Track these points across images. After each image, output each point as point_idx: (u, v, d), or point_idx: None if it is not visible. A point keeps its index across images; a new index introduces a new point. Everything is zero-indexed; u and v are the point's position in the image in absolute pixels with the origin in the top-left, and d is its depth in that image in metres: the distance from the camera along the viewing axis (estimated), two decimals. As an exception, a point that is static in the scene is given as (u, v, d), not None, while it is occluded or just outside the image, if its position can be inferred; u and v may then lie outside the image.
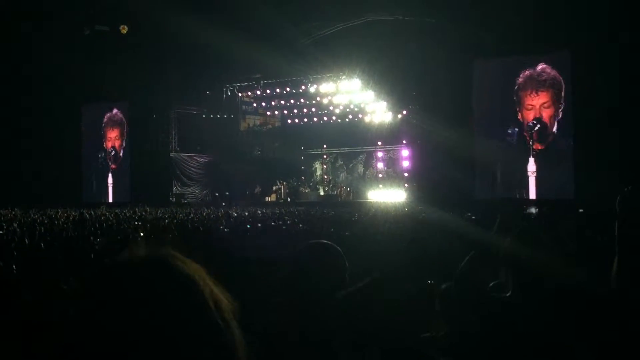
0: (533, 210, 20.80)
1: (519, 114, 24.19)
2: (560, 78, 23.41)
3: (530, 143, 23.78)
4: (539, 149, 23.60)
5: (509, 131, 24.47)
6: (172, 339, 1.02)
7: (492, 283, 3.34)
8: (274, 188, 34.32)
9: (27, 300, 4.64)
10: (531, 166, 23.68)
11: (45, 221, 14.86)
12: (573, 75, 23.05)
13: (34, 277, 5.47)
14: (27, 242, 8.85)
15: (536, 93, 23.85)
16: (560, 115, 23.30)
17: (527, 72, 24.15)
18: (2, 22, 26.76)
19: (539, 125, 23.63)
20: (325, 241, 2.94)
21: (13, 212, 19.79)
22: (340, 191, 33.99)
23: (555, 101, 23.46)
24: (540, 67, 23.90)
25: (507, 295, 3.01)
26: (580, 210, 15.31)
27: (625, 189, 3.13)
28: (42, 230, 11.28)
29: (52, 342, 1.06)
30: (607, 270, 3.23)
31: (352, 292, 2.75)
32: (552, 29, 22.34)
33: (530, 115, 23.89)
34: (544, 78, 23.74)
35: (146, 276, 1.08)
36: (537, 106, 23.81)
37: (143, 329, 1.01)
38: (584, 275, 3.02)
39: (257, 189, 34.25)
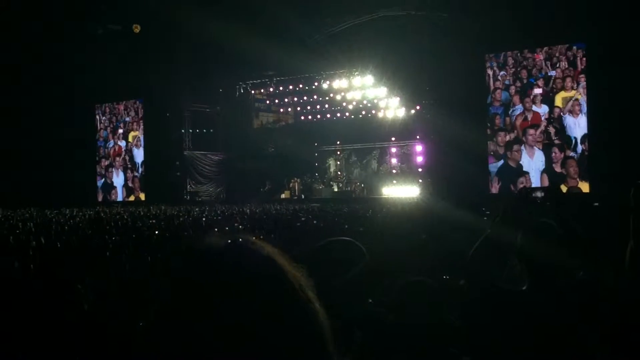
0: (539, 194, 20.69)
1: (533, 107, 24.02)
2: (575, 72, 23.23)
3: (545, 137, 23.63)
4: (554, 143, 23.42)
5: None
6: (265, 319, 1.04)
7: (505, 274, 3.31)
8: (288, 185, 34.36)
9: (44, 300, 4.66)
10: (546, 161, 23.53)
11: (61, 220, 14.94)
12: (587, 68, 22.91)
13: (51, 276, 5.49)
14: (43, 241, 8.89)
15: (550, 86, 23.70)
16: (575, 109, 23.10)
17: (541, 66, 24.00)
18: (16, 22, 26.90)
19: (554, 119, 23.51)
20: (346, 238, 2.92)
21: (29, 212, 19.90)
22: (355, 187, 33.97)
23: (568, 95, 23.27)
24: (554, 61, 23.74)
25: (523, 288, 2.98)
26: (596, 204, 15.21)
27: (639, 182, 3.10)
28: (58, 230, 11.34)
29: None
30: (621, 263, 3.19)
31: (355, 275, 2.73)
32: (566, 22, 22.18)
33: (544, 109, 23.73)
34: (558, 72, 23.56)
35: (236, 259, 1.11)
36: (551, 100, 23.66)
37: (238, 310, 1.03)
38: (599, 269, 2.99)
39: (270, 186, 34.29)
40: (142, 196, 34.10)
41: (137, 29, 27.70)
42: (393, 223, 11.20)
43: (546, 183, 22.97)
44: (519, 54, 24.50)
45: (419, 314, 2.58)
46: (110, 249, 8.02)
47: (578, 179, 22.58)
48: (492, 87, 25.07)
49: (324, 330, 1.11)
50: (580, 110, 22.86)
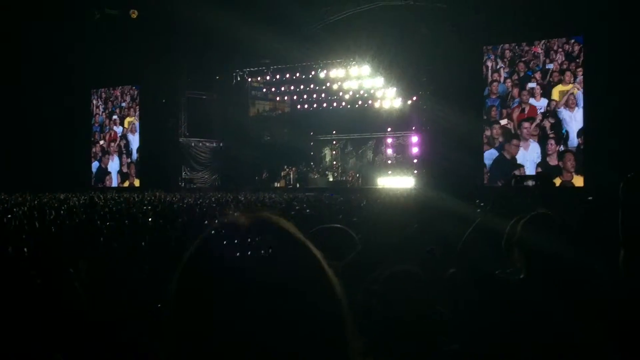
0: (530, 182, 20.74)
1: (530, 100, 24.05)
2: (572, 65, 23.25)
3: (540, 130, 23.69)
4: (550, 136, 23.47)
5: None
6: (292, 291, 1.07)
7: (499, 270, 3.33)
8: (283, 174, 34.35)
9: (38, 283, 4.67)
10: (542, 153, 23.61)
11: (56, 205, 14.93)
12: (585, 62, 22.92)
13: (45, 260, 5.50)
14: (37, 225, 8.89)
15: (547, 80, 23.72)
16: (571, 103, 23.13)
17: (538, 59, 24.02)
18: (13, 6, 26.78)
19: (550, 112, 23.56)
20: (338, 225, 2.94)
21: (23, 196, 19.88)
22: (351, 178, 33.98)
23: (566, 88, 23.29)
24: (551, 53, 23.75)
25: (520, 278, 3.00)
26: (590, 198, 15.25)
27: (629, 175, 3.12)
28: (53, 214, 11.34)
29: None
30: (615, 257, 3.22)
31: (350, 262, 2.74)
32: (564, 15, 22.19)
33: (541, 102, 23.76)
34: (555, 65, 23.59)
35: (262, 231, 1.13)
36: (548, 93, 23.69)
37: (266, 282, 1.06)
38: (594, 262, 3.01)
39: (265, 174, 34.28)
40: (137, 182, 34.06)
41: (134, 14, 27.61)
42: (387, 213, 11.22)
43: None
44: (516, 47, 24.49)
45: (404, 304, 2.59)
46: (105, 234, 8.03)
47: (573, 173, 22.64)
48: (489, 79, 25.08)
49: (342, 302, 1.14)
50: (576, 104, 22.89)
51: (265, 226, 1.15)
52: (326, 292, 1.12)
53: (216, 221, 1.18)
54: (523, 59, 24.29)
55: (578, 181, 22.35)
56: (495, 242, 3.52)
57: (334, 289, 1.13)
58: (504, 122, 24.52)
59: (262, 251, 1.09)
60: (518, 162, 23.98)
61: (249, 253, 1.08)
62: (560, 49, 23.46)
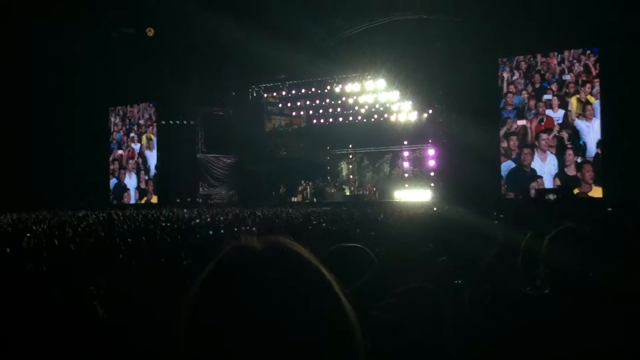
0: (551, 196, 20.61)
1: (547, 111, 23.95)
2: (589, 77, 23.13)
3: (558, 141, 23.56)
4: (568, 147, 23.33)
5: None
6: (306, 318, 1.07)
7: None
8: (300, 188, 34.34)
9: (56, 301, 4.69)
10: (559, 164, 23.47)
11: (74, 222, 15.04)
12: (601, 72, 22.81)
13: (64, 277, 5.53)
14: (56, 243, 8.96)
15: (564, 91, 23.62)
16: (588, 114, 22.99)
17: (554, 70, 23.92)
18: (30, 25, 27.12)
19: (567, 123, 23.44)
20: (355, 244, 2.93)
21: (42, 214, 20.04)
22: (368, 191, 33.90)
23: (582, 99, 23.18)
24: (567, 65, 23.66)
25: (545, 292, 2.97)
26: (609, 209, 15.13)
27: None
28: (71, 232, 11.42)
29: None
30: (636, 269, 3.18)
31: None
32: (579, 26, 22.10)
33: (558, 113, 23.64)
34: (572, 76, 23.48)
35: (275, 257, 1.13)
36: (564, 104, 23.57)
37: (279, 309, 1.05)
38: (617, 274, 2.97)
39: (282, 189, 34.29)
40: (155, 199, 34.23)
41: (150, 32, 27.85)
42: (404, 228, 11.18)
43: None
44: (532, 59, 24.42)
45: (417, 320, 2.58)
46: (124, 251, 8.07)
47: (592, 184, 22.45)
48: (505, 91, 25.01)
49: (353, 324, 1.13)
50: (594, 115, 22.72)
51: (278, 251, 1.14)
52: (339, 319, 1.11)
53: (229, 245, 1.17)
54: (539, 70, 24.20)
55: (597, 192, 22.15)
56: (512, 258, 3.49)
57: (347, 316, 1.12)
58: (520, 133, 24.40)
59: (275, 277, 1.08)
60: (536, 173, 23.83)
61: (262, 278, 1.08)
62: (575, 60, 23.35)
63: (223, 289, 1.09)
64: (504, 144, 24.79)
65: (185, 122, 33.29)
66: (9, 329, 4.19)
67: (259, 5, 24.68)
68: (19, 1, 26.29)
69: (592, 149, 22.76)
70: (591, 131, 22.84)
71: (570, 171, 23.01)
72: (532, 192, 23.27)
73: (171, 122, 33.61)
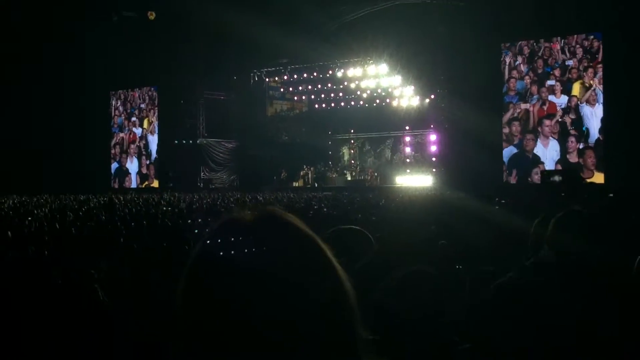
0: (557, 178, 20.59)
1: (550, 97, 23.88)
2: (593, 62, 23.02)
3: (560, 127, 23.50)
4: (570, 133, 23.27)
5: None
6: (300, 285, 1.06)
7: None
8: (301, 173, 34.33)
9: (59, 284, 4.70)
10: (561, 150, 23.43)
11: (76, 206, 15.05)
12: (604, 58, 22.71)
13: (65, 261, 5.54)
14: (57, 227, 8.96)
15: (567, 76, 23.53)
16: (592, 99, 22.91)
17: (557, 55, 23.82)
18: (30, 9, 27.02)
19: (570, 109, 23.37)
20: (354, 227, 2.92)
21: (44, 198, 20.06)
22: (370, 176, 33.89)
23: (585, 84, 23.09)
24: (570, 50, 23.55)
25: (548, 277, 2.96)
26: (611, 195, 15.12)
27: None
28: (72, 216, 11.42)
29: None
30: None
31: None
32: (582, 11, 21.98)
33: (561, 99, 23.57)
34: (575, 61, 23.38)
35: (268, 226, 1.13)
36: (567, 90, 23.49)
37: (273, 277, 1.05)
38: (621, 259, 2.96)
39: (283, 174, 34.29)
40: (156, 183, 34.26)
41: (152, 15, 27.74)
42: (406, 212, 11.19)
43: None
44: (534, 44, 24.31)
45: (419, 304, 2.57)
46: (124, 235, 8.07)
47: (594, 170, 22.42)
48: (507, 77, 24.92)
49: (353, 301, 1.12)
50: (597, 100, 22.63)
51: (271, 221, 1.14)
52: (334, 285, 1.11)
53: (221, 218, 1.17)
54: (541, 56, 24.10)
55: (599, 178, 22.10)
56: (517, 241, 3.47)
57: (342, 282, 1.12)
58: (522, 119, 24.34)
59: (269, 246, 1.08)
60: (538, 159, 23.80)
61: (255, 248, 1.07)
62: (578, 46, 23.24)
63: (216, 262, 1.08)
64: (506, 130, 24.74)
65: (182, 102, 33.20)
66: (11, 312, 4.21)
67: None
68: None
69: (594, 135, 22.71)
70: (594, 117, 22.77)
71: (573, 158, 22.97)
72: (536, 176, 23.25)
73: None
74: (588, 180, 22.20)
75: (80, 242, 7.37)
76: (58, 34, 28.87)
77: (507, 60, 24.96)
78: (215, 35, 28.29)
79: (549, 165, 23.42)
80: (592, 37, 22.94)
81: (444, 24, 24.45)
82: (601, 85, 22.67)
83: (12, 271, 5.06)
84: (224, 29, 25.93)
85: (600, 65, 22.75)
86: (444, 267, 3.22)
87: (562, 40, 23.65)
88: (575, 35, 23.32)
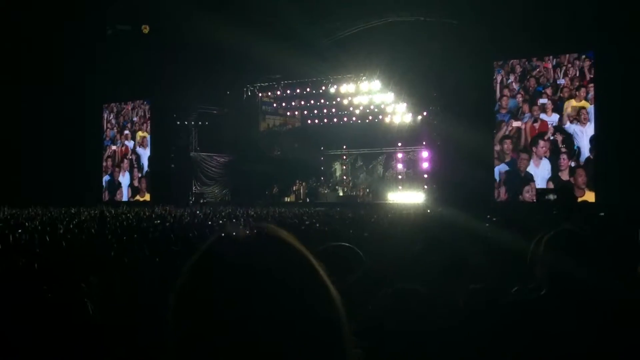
0: (551, 196, 20.62)
1: (541, 115, 23.99)
2: (584, 81, 23.17)
3: (552, 145, 23.61)
4: (562, 151, 23.38)
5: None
6: (291, 301, 1.07)
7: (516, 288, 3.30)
8: (293, 188, 34.33)
9: (49, 298, 4.68)
10: (552, 169, 23.52)
11: (66, 219, 14.99)
12: (596, 77, 22.86)
13: (56, 275, 5.51)
14: (48, 240, 8.93)
15: (558, 95, 23.66)
16: (582, 118, 23.04)
17: (549, 74, 23.95)
18: (24, 21, 27.03)
19: (561, 128, 23.49)
20: (345, 244, 2.93)
21: (35, 211, 19.97)
22: (362, 192, 33.90)
23: (577, 104, 23.22)
24: (562, 70, 23.70)
25: (541, 294, 2.97)
26: (602, 214, 15.16)
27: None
28: (63, 229, 11.38)
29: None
30: (631, 273, 3.18)
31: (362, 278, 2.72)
32: (575, 31, 22.15)
33: (552, 117, 23.69)
34: (567, 80, 23.52)
35: (261, 242, 1.13)
36: (559, 108, 23.62)
37: (264, 292, 1.06)
38: (612, 278, 2.98)
39: (275, 189, 34.28)
40: (148, 197, 34.17)
41: (146, 29, 27.79)
42: (397, 229, 11.19)
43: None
44: (527, 63, 24.46)
45: (408, 322, 2.58)
46: (115, 248, 8.05)
47: (585, 189, 22.48)
48: (499, 95, 25.04)
49: (343, 317, 1.13)
50: (588, 119, 22.76)
51: (264, 237, 1.15)
52: (325, 301, 1.11)
53: (214, 234, 1.18)
54: (533, 74, 24.24)
55: (590, 197, 22.14)
56: (513, 260, 3.48)
57: (332, 299, 1.13)
58: (514, 137, 24.43)
59: (261, 263, 1.08)
60: (530, 177, 23.87)
61: (248, 265, 1.08)
62: (570, 65, 23.39)
63: (208, 277, 1.09)
64: (498, 148, 24.81)
65: (175, 116, 33.21)
66: (1, 325, 4.18)
67: (254, 4, 24.66)
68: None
69: (585, 154, 22.79)
70: (585, 136, 22.87)
71: (564, 175, 23.02)
72: (527, 194, 23.31)
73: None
74: (579, 199, 22.25)
75: (70, 255, 7.33)
76: (51, 45, 28.86)
77: (499, 78, 25.08)
78: (208, 50, 28.34)
79: (540, 183, 23.48)
80: (583, 56, 23.09)
81: (437, 41, 24.58)
82: (592, 105, 22.79)
83: (1, 284, 5.03)
84: (217, 44, 25.99)
85: (591, 85, 22.88)
86: (434, 284, 3.22)
87: (554, 60, 23.79)
88: (567, 55, 23.47)
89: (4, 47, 28.28)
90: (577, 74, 23.21)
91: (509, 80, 24.83)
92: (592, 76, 22.92)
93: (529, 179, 23.85)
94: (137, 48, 28.84)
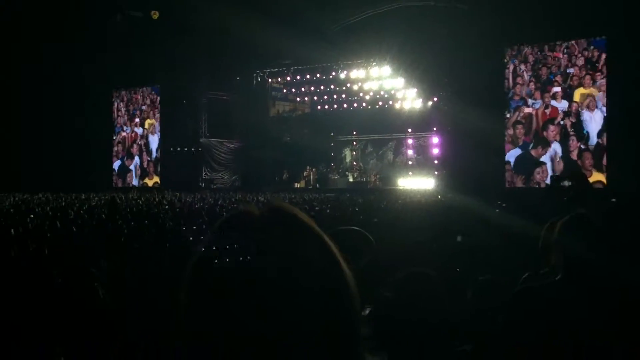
0: (566, 183, 20.54)
1: (552, 102, 24.08)
2: (591, 69, 23.23)
3: (562, 130, 23.63)
4: (570, 135, 23.42)
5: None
6: (306, 284, 1.03)
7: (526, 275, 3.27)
8: (303, 174, 34.34)
9: (58, 283, 4.69)
10: (563, 151, 23.63)
11: (77, 205, 15.05)
12: (608, 62, 22.76)
13: (65, 260, 5.53)
14: (59, 225, 8.96)
15: (568, 83, 23.71)
16: (591, 105, 23.15)
17: (561, 59, 23.95)
18: (34, 6, 27.04)
19: (571, 113, 23.56)
20: (355, 227, 2.91)
21: (45, 196, 20.07)
22: (374, 179, 33.85)
23: (589, 89, 23.30)
24: (574, 54, 23.69)
25: (556, 279, 2.94)
26: (613, 200, 15.09)
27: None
28: (74, 214, 11.42)
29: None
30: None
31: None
32: (586, 15, 21.98)
33: (562, 104, 23.74)
34: (576, 69, 23.58)
35: (276, 221, 1.09)
36: (568, 95, 23.69)
37: (278, 275, 1.02)
38: (624, 265, 2.94)
39: (285, 175, 34.30)
40: (157, 179, 34.35)
41: (155, 15, 27.75)
42: (407, 215, 11.17)
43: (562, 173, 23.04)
44: (538, 52, 24.43)
45: (419, 306, 2.56)
46: (126, 234, 8.07)
47: (593, 170, 22.60)
48: (511, 81, 25.02)
49: (358, 305, 1.10)
50: (596, 106, 22.94)
51: (279, 216, 1.11)
52: (340, 287, 1.08)
53: (229, 212, 1.15)
54: (545, 64, 24.28)
55: (596, 177, 22.29)
56: (526, 245, 3.45)
57: (348, 284, 1.09)
58: (526, 122, 24.45)
59: (275, 242, 1.05)
60: (540, 160, 23.95)
61: (262, 243, 1.04)
62: (580, 55, 23.44)
63: (222, 256, 1.05)
64: (510, 132, 24.83)
65: (184, 102, 33.28)
66: (12, 310, 4.20)
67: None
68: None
69: (593, 137, 23.02)
70: (593, 121, 23.05)
71: (573, 156, 23.34)
72: (538, 175, 23.37)
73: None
74: (591, 180, 22.30)
75: (81, 240, 7.36)
76: (61, 32, 28.87)
77: (511, 65, 25.06)
78: (218, 36, 28.28)
79: (550, 165, 23.55)
80: (592, 47, 23.14)
81: (448, 27, 24.42)
82: (600, 93, 22.81)
83: (13, 269, 5.05)
84: (227, 30, 25.93)
85: (598, 74, 22.94)
86: (444, 269, 3.20)
87: (565, 48, 23.82)
88: (578, 41, 23.47)
89: (12, 33, 28.32)
90: (586, 65, 23.27)
91: (521, 70, 24.86)
92: (600, 65, 22.96)
93: (540, 161, 23.89)
94: (146, 34, 28.81)
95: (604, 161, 22.54)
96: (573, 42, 23.58)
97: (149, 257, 6.15)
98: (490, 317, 3.01)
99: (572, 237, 2.88)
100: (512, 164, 24.67)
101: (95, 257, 5.70)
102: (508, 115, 24.92)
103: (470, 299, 3.44)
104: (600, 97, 22.98)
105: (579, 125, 23.35)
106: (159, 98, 35.06)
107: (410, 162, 34.90)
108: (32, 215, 10.77)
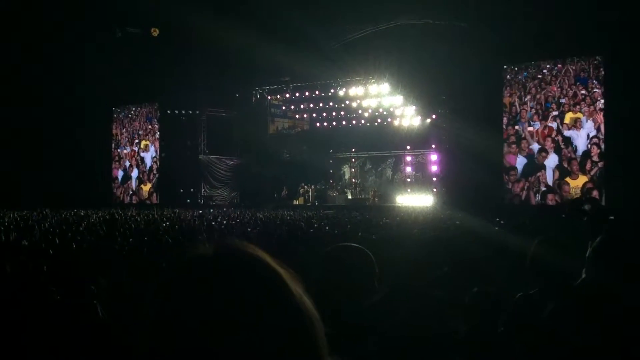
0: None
1: (550, 118, 24.55)
2: (592, 83, 23.66)
3: (555, 144, 24.58)
4: (562, 147, 24.39)
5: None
6: (261, 320, 1.01)
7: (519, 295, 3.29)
8: (302, 191, 34.31)
9: (57, 300, 4.69)
10: (558, 159, 24.70)
11: (76, 222, 15.04)
12: (605, 79, 23.00)
13: (64, 277, 5.52)
14: (57, 241, 8.95)
15: (568, 98, 24.22)
16: (592, 120, 23.63)
17: (558, 77, 24.36)
18: (34, 24, 27.15)
19: (571, 130, 24.06)
20: (354, 244, 2.90)
21: (44, 213, 20.06)
22: (371, 196, 33.83)
23: (587, 106, 23.84)
24: (572, 71, 24.09)
25: (531, 293, 2.96)
26: (611, 217, 15.11)
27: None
28: (73, 231, 11.41)
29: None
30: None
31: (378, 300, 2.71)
32: (583, 33, 22.16)
33: (554, 124, 24.36)
34: (575, 83, 24.08)
35: (231, 265, 1.06)
36: (568, 111, 24.15)
37: (235, 314, 1.00)
38: (612, 281, 2.95)
39: (284, 192, 34.29)
40: (149, 187, 34.59)
41: (155, 32, 27.87)
42: (406, 232, 11.16)
43: (557, 176, 24.46)
44: (536, 64, 24.83)
45: (421, 324, 2.57)
46: (125, 251, 8.06)
47: (579, 174, 23.97)
48: (508, 99, 25.47)
49: (318, 332, 1.06)
50: (582, 126, 24.30)
51: (228, 258, 1.07)
52: (297, 326, 1.04)
53: (182, 253, 1.12)
54: (543, 76, 24.90)
55: (582, 179, 23.77)
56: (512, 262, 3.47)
57: (307, 323, 1.05)
58: (528, 137, 24.99)
59: (226, 295, 1.01)
60: (540, 166, 25.10)
61: (209, 288, 1.02)
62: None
63: (174, 299, 1.04)
64: (505, 149, 25.38)
65: (184, 119, 33.40)
66: (10, 327, 4.19)
67: (263, 7, 24.68)
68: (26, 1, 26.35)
69: (580, 149, 24.34)
70: (579, 137, 24.39)
71: (565, 164, 24.64)
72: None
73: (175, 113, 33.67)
74: (574, 182, 23.92)
75: (80, 257, 7.35)
76: (61, 49, 28.99)
77: (509, 81, 25.58)
78: (218, 53, 28.39)
79: (548, 172, 24.68)
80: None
81: (446, 45, 24.54)
82: (584, 117, 24.11)
83: (12, 286, 5.05)
84: (226, 47, 26.04)
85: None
86: (445, 287, 3.21)
87: (564, 62, 24.30)
88: (577, 57, 23.88)
89: (14, 48, 28.43)
90: (573, 96, 24.63)
91: (518, 83, 25.40)
92: (601, 79, 23.67)
93: (543, 167, 24.92)
94: (146, 51, 28.93)
95: (587, 166, 23.83)
96: (565, 77, 24.73)
97: (148, 274, 6.14)
98: (487, 329, 3.02)
99: (546, 255, 2.91)
100: (519, 169, 25.38)
101: (94, 274, 5.70)
102: (505, 133, 25.37)
103: (465, 310, 3.45)
104: (584, 120, 24.39)
105: (568, 141, 24.67)
106: (159, 114, 35.17)
107: (408, 179, 34.90)
108: (33, 232, 10.76)
